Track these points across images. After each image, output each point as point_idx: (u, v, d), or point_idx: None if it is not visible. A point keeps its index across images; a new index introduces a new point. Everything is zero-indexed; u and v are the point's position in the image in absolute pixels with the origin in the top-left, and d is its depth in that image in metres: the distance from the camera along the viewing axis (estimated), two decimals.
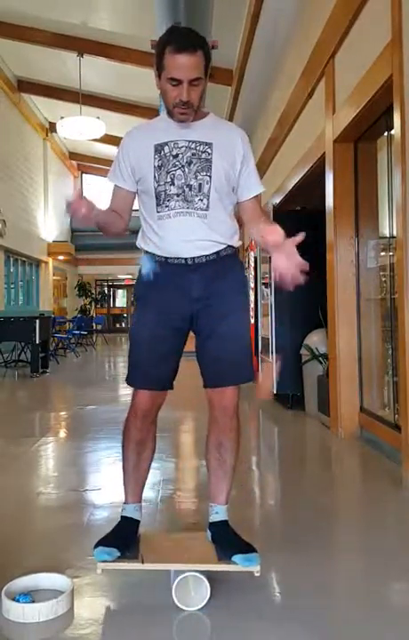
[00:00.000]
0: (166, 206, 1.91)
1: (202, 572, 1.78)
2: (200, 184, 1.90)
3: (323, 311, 4.60)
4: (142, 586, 1.91)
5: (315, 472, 3.59)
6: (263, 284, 6.06)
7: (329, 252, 4.30)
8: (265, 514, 2.77)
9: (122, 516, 2.04)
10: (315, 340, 4.82)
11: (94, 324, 15.94)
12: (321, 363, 4.66)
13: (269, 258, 5.33)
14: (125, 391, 6.76)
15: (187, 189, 1.90)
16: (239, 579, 1.91)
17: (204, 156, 1.91)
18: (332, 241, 4.24)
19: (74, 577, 1.94)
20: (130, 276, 22.19)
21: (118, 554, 1.86)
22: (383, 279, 4.00)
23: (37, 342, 8.03)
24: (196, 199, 1.90)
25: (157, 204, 1.92)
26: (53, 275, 16.36)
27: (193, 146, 1.91)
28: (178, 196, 1.90)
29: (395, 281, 3.39)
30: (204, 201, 1.91)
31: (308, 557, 2.14)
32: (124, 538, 1.95)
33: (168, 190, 1.90)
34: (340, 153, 4.20)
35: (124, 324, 23.34)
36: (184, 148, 1.91)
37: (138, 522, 2.03)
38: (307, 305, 5.01)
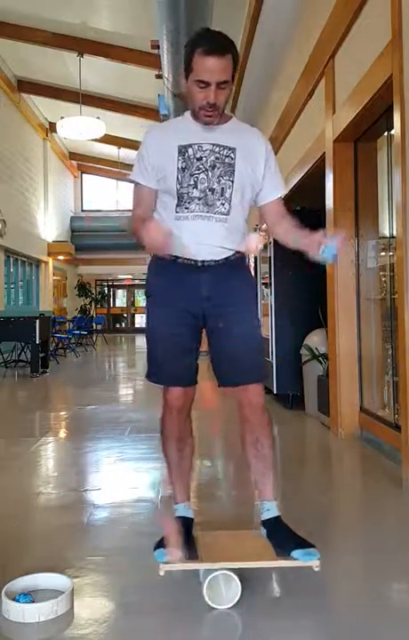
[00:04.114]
0: (186, 208, 1.91)
1: (233, 571, 1.78)
2: (222, 188, 1.91)
3: (323, 311, 4.60)
4: (143, 586, 1.91)
5: (315, 472, 3.58)
6: (263, 284, 6.05)
7: None
8: None
9: (176, 517, 2.03)
10: (315, 340, 4.82)
11: (94, 324, 15.94)
12: (321, 363, 4.66)
13: (269, 258, 5.35)
14: (126, 391, 6.76)
15: (209, 193, 1.90)
16: (240, 578, 1.91)
17: (227, 160, 1.91)
18: None
19: (74, 577, 1.94)
20: (130, 276, 22.21)
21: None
22: (383, 279, 4.00)
23: (37, 342, 8.03)
24: (218, 203, 1.91)
25: (177, 205, 1.92)
26: (53, 275, 16.36)
27: (217, 150, 1.91)
28: (199, 199, 1.91)
29: (395, 281, 3.39)
30: (226, 205, 1.92)
31: None
32: (182, 538, 1.94)
33: (190, 193, 1.91)
34: (340, 153, 4.19)
35: (124, 324, 23.34)
36: (208, 152, 1.91)
37: (192, 520, 2.04)
38: (307, 305, 5.01)
